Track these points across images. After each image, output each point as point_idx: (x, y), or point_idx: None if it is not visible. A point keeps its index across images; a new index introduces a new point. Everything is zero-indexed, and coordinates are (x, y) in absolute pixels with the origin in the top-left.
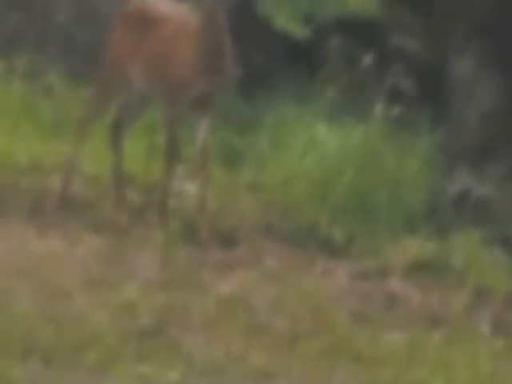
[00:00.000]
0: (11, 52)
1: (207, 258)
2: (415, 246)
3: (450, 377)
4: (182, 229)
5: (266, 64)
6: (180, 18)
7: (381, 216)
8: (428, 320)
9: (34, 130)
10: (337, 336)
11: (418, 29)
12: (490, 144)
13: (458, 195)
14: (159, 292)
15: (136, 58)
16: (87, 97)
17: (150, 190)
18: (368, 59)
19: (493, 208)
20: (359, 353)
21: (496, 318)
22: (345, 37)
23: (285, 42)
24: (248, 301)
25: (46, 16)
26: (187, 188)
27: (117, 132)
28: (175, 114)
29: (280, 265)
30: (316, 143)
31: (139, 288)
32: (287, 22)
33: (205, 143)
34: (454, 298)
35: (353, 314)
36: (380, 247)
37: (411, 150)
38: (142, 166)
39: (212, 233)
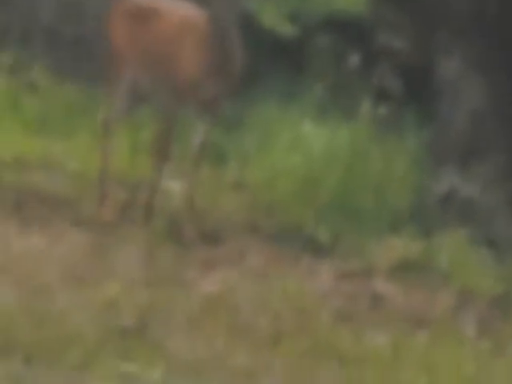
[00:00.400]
0: None
1: (191, 257)
2: (400, 246)
3: (433, 378)
4: (167, 226)
5: (252, 61)
6: (183, 14)
7: (366, 215)
8: (412, 320)
9: (18, 125)
10: (320, 335)
11: (405, 28)
12: (476, 144)
13: (444, 195)
14: (142, 290)
15: (139, 54)
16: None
17: (135, 187)
18: (355, 58)
19: (479, 208)
20: (342, 353)
21: (481, 318)
22: (332, 35)
23: (272, 40)
24: (231, 300)
25: (31, 12)
26: (172, 186)
27: (107, 128)
28: (175, 113)
29: (264, 264)
30: (302, 141)
31: (122, 286)
32: (274, 20)
33: (203, 144)
34: (438, 299)
35: (337, 313)
36: (365, 247)
37: (398, 150)
38: (126, 163)
39: (196, 231)
